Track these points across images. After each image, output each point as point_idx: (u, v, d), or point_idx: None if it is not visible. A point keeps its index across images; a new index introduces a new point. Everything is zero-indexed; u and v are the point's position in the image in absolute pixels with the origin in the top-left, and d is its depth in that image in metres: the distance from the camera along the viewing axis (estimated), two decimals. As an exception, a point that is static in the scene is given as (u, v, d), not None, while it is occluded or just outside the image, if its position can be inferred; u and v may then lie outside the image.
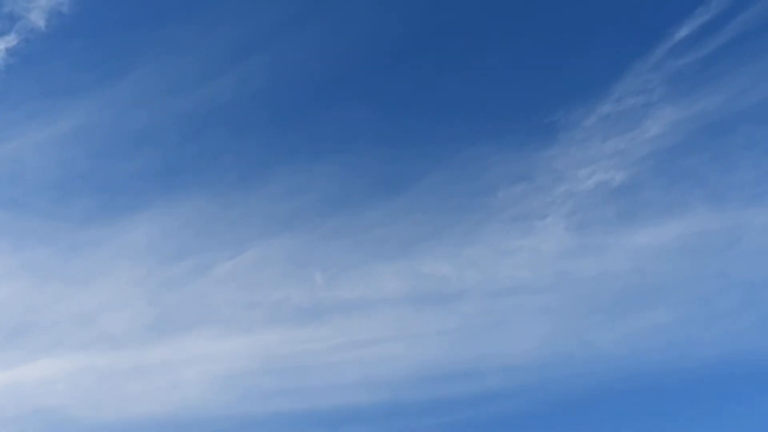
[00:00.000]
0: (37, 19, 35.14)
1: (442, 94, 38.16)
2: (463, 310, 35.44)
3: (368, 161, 37.54)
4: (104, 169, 37.36)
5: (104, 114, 37.22)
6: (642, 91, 36.06)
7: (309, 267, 36.23)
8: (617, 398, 33.23)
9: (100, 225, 36.14)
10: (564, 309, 35.27)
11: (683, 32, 35.65)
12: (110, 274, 35.67)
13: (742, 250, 33.90)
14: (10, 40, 28.88)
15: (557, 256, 35.95)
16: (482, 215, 35.82)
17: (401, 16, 38.13)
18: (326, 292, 36.20)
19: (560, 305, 35.36)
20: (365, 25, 38.62)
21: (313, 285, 35.85)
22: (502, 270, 35.94)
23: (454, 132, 37.72)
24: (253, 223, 37.25)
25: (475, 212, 36.14)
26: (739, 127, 35.75)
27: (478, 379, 34.09)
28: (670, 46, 35.71)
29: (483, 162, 37.09)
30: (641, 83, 35.94)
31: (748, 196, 34.62)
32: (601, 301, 35.19)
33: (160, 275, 35.74)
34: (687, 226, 35.60)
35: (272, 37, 37.99)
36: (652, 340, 34.11)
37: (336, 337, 35.45)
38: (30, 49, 35.61)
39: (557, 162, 36.23)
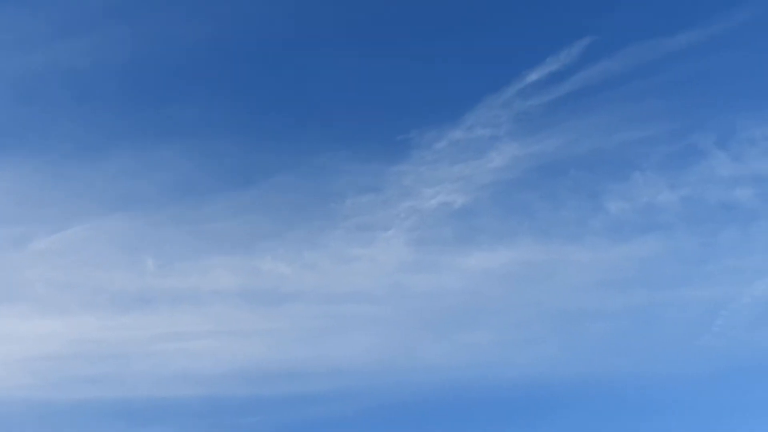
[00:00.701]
0: None
1: (303, 96, 33.18)
2: (297, 312, 30.40)
3: (218, 153, 31.81)
4: None
5: None
6: (491, 124, 32.91)
7: (140, 252, 29.97)
8: (437, 408, 29.46)
9: None
10: (395, 320, 30.84)
11: (534, 76, 32.78)
12: None
13: (558, 283, 31.22)
14: None
15: (395, 269, 31.70)
16: (327, 221, 31.34)
17: (276, 11, 33.02)
18: (156, 279, 30.07)
19: (392, 316, 30.85)
20: (236, 14, 32.99)
21: (143, 271, 29.71)
22: (340, 276, 31.37)
23: (310, 135, 32.82)
24: (84, 200, 30.42)
25: (320, 217, 31.68)
26: (569, 171, 32.94)
27: (303, 380, 29.25)
28: (520, 87, 32.71)
29: (335, 168, 32.41)
30: (491, 117, 32.83)
31: (569, 234, 31.87)
32: (431, 316, 31.12)
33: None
34: (514, 255, 32.18)
35: (141, 8, 31.81)
36: (473, 356, 30.53)
37: (160, 326, 29.49)
38: None
39: (406, 178, 32.25)
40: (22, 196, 30.59)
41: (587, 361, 30.16)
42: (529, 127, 33.55)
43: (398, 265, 31.96)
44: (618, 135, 32.36)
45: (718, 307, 30.31)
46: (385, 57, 33.99)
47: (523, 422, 29.60)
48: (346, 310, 30.27)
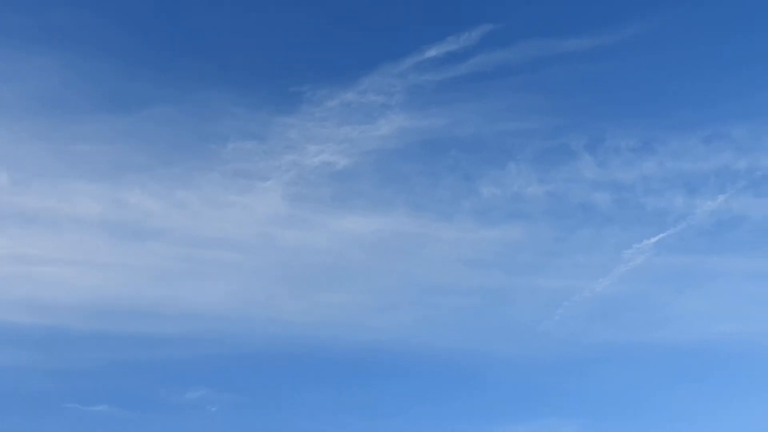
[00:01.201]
0: None
1: (198, 31, 27.96)
2: (159, 250, 25.61)
3: (96, 72, 26.26)
4: None
5: None
6: (384, 92, 29.16)
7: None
8: (291, 362, 26.07)
9: None
10: (260, 271, 26.90)
11: (432, 53, 29.54)
12: None
13: (424, 256, 28.58)
14: None
15: (267, 221, 27.59)
16: (205, 162, 26.59)
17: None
18: (9, 196, 24.44)
19: (257, 267, 26.83)
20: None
21: (-5, 185, 22.70)
22: (210, 220, 26.64)
23: (199, 71, 27.69)
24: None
25: (198, 156, 26.79)
26: (451, 151, 30.15)
27: (155, 321, 24.53)
28: (418, 61, 29.37)
29: (220, 109, 27.46)
30: (385, 85, 29.17)
31: (441, 211, 29.33)
32: (296, 272, 27.33)
33: None
34: (386, 224, 28.89)
35: None
36: (331, 316, 27.21)
37: (8, 247, 23.90)
38: None
39: (292, 131, 28.16)
40: None
41: (438, 333, 28.17)
42: (419, 102, 31.05)
43: (271, 217, 28.51)
44: (500, 124, 30.80)
45: (562, 298, 28.67)
46: (291, 9, 30.16)
47: (370, 384, 27.51)
48: (211, 255, 26.23)
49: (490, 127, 30.70)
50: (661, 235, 28.30)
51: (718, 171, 28.13)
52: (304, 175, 28.95)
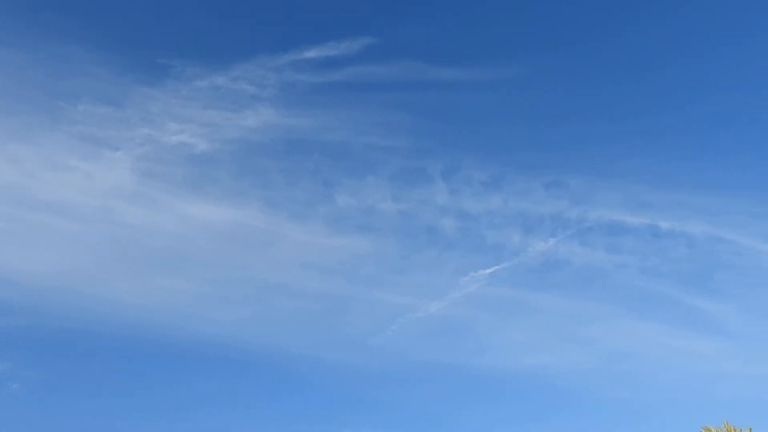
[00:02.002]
0: None
1: None
2: None
3: None
4: None
5: None
6: (257, 83, 28.39)
7: None
8: (115, 344, 24.90)
9: None
10: (96, 245, 25.10)
11: (312, 54, 29.39)
12: None
13: (272, 254, 28.20)
14: None
15: (111, 193, 25.64)
16: (50, 119, 24.44)
17: None
18: None
19: (94, 240, 25.02)
20: None
21: None
22: (47, 182, 24.59)
23: (64, 22, 25.83)
24: None
25: (44, 112, 24.64)
26: (314, 154, 29.93)
27: None
28: (296, 59, 28.95)
29: (78, 66, 25.44)
30: (259, 76, 28.39)
31: (296, 212, 28.96)
32: (136, 251, 25.91)
33: None
34: (239, 216, 28.08)
35: None
36: (167, 303, 26.17)
37: None
38: None
39: (154, 104, 26.62)
40: None
41: (275, 334, 27.83)
42: (291, 100, 30.57)
43: (116, 190, 26.61)
44: (366, 137, 31.07)
45: (398, 314, 29.24)
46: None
47: (198, 377, 26.90)
48: (41, 219, 24.23)
49: (356, 138, 31.00)
50: (496, 267, 29.91)
51: (552, 216, 29.88)
52: (159, 152, 27.50)
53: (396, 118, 31.42)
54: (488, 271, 30.03)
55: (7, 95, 22.68)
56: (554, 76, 32.93)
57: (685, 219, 29.34)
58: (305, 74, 28.89)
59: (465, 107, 32.82)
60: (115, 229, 24.62)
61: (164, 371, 24.53)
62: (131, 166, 25.15)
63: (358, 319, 28.87)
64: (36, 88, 23.72)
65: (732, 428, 14.59)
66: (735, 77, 32.20)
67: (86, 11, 24.38)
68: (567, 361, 29.27)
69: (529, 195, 30.87)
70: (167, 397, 24.27)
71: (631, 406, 27.33)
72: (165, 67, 25.22)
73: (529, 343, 29.74)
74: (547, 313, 30.42)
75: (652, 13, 32.88)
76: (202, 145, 26.71)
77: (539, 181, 31.05)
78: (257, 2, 27.35)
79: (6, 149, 22.57)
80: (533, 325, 30.17)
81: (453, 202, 30.48)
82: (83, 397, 21.77)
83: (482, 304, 30.47)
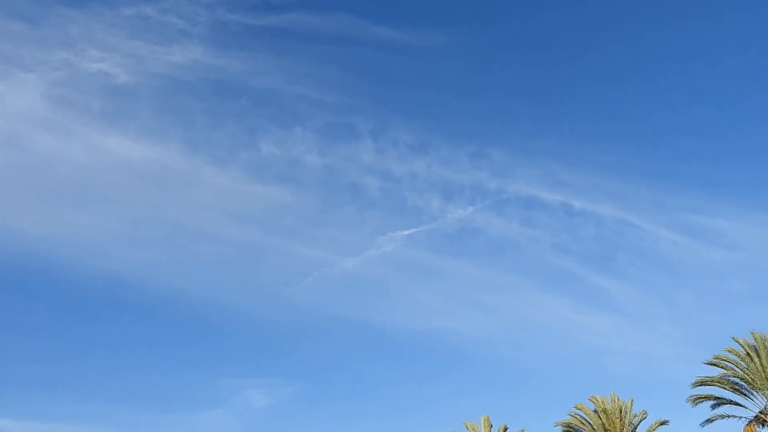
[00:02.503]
0: None
1: None
2: None
3: None
4: None
5: None
6: (187, 18, 27.55)
7: None
8: (14, 275, 25.32)
9: None
10: (0, 170, 24.86)
11: None
12: None
13: (188, 197, 27.85)
14: None
15: (20, 117, 24.83)
16: None
17: None
18: None
19: None
20: None
21: None
22: None
23: None
24: None
25: None
26: (242, 98, 29.83)
27: None
28: None
29: None
30: (191, 11, 27.46)
31: (217, 155, 29.08)
32: (44, 181, 25.44)
33: None
34: (157, 154, 27.61)
35: None
36: (75, 237, 25.92)
37: None
38: None
39: (73, 27, 25.89)
40: None
41: (187, 278, 27.74)
42: (222, 40, 29.20)
43: (26, 115, 26.40)
44: (297, 87, 30.22)
45: (313, 267, 29.54)
46: None
47: (102, 317, 27.09)
48: None
49: (286, 87, 30.29)
50: (414, 230, 30.07)
51: (473, 185, 30.10)
52: (76, 79, 26.27)
53: (329, 71, 30.86)
54: (406, 232, 30.33)
55: None
56: (490, 49, 33.04)
57: (596, 201, 30.30)
58: (239, 14, 27.87)
59: (399, 69, 32.54)
60: (21, 156, 23.25)
61: (67, 309, 23.71)
62: (44, 91, 23.68)
63: (273, 269, 28.91)
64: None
65: (617, 398, 15.62)
66: (657, 67, 33.21)
67: None
68: (471, 325, 30.17)
69: (453, 163, 31.05)
70: (69, 336, 23.44)
71: (526, 372, 28.68)
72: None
73: (437, 306, 30.44)
74: (458, 279, 31.14)
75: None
76: (123, 77, 25.41)
77: (464, 150, 31.32)
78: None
79: None
80: (443, 289, 30.85)
81: (378, 161, 30.28)
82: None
83: (397, 265, 30.86)
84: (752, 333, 14.57)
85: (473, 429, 16.65)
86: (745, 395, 14.50)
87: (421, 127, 31.95)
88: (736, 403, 14.48)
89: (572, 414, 16.11)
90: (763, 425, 14.37)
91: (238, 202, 29.20)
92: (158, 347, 26.53)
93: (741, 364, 14.37)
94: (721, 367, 14.53)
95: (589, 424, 15.93)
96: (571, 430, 16.09)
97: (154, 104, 27.09)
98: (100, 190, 26.06)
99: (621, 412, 15.91)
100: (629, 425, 15.81)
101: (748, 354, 14.37)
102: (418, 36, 32.16)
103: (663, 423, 15.78)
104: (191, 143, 27.78)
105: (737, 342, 14.57)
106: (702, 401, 14.73)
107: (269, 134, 29.46)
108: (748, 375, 14.44)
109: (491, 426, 16.62)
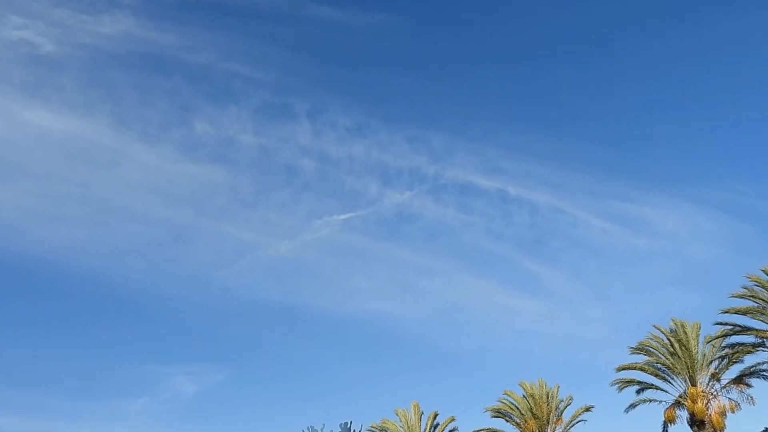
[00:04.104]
0: None
1: None
2: None
3: None
4: None
5: None
6: None
7: None
8: None
9: None
10: None
11: None
12: None
13: (118, 175, 27.12)
14: None
15: None
16: None
17: None
18: None
19: None
20: None
21: None
22: None
23: None
24: None
25: None
26: (175, 74, 28.62)
27: None
28: None
29: None
30: None
31: (145, 133, 27.91)
32: None
33: None
34: (84, 129, 26.50)
35: None
36: None
37: None
38: None
39: None
40: None
41: (113, 258, 27.17)
42: (155, 13, 28.44)
43: None
44: (233, 64, 29.35)
45: (246, 250, 29.17)
46: None
47: (21, 298, 26.79)
48: None
49: (221, 64, 29.34)
50: (350, 214, 30.04)
51: (411, 170, 29.86)
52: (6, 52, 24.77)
53: (266, 49, 30.10)
54: (342, 216, 30.05)
55: None
56: (430, 31, 32.82)
57: (531, 188, 30.70)
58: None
59: (339, 50, 32.00)
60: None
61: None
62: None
63: (204, 251, 28.64)
64: None
65: (544, 384, 15.89)
66: (594, 48, 33.62)
67: None
68: (403, 309, 30.18)
69: (391, 146, 31.04)
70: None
71: (457, 356, 28.96)
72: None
73: (371, 290, 30.30)
74: (393, 263, 31.06)
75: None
76: (48, 47, 24.15)
77: (402, 134, 31.49)
78: None
79: None
80: (378, 274, 30.75)
81: (315, 143, 29.77)
82: None
83: (332, 249, 30.69)
84: (672, 320, 14.91)
85: (404, 416, 16.65)
86: (667, 380, 14.70)
87: (360, 110, 31.76)
88: (658, 388, 14.69)
89: (501, 400, 16.34)
90: (682, 408, 14.67)
91: (169, 182, 28.36)
92: (81, 331, 25.56)
93: (663, 351, 14.55)
94: (645, 354, 14.70)
95: (518, 409, 16.17)
96: (500, 415, 16.28)
97: (81, 77, 25.86)
98: (20, 164, 24.80)
99: (548, 397, 16.21)
100: (556, 410, 16.10)
101: (669, 341, 14.56)
102: (358, 16, 31.73)
103: (588, 409, 16.16)
104: (120, 119, 26.69)
105: (659, 329, 14.79)
106: (627, 386, 14.86)
107: (203, 112, 28.76)
108: (669, 361, 14.57)
109: (422, 413, 16.67)
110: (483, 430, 16.00)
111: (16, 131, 23.67)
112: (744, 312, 13.28)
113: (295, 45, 30.82)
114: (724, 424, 14.12)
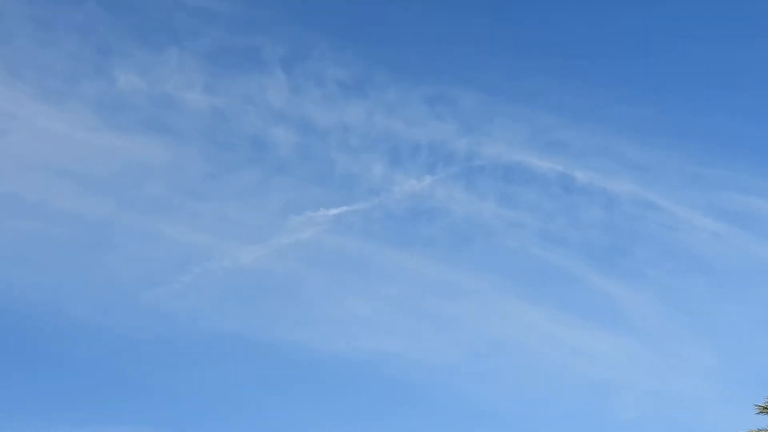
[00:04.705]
0: None
1: None
2: None
3: None
4: None
5: None
6: None
7: None
8: None
9: None
10: None
11: None
12: None
13: (6, 148, 19.92)
14: None
15: None
16: None
17: None
18: None
19: None
20: None
21: None
22: None
23: None
24: None
25: None
26: (95, 11, 21.47)
27: None
28: None
29: None
30: None
31: (52, 89, 20.36)
32: None
33: None
34: None
35: None
36: None
37: None
38: None
39: None
40: None
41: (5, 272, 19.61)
42: None
43: None
44: None
45: (192, 260, 20.78)
46: None
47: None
48: None
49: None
50: (345, 208, 22.00)
51: (432, 145, 21.69)
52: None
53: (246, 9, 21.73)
54: (333, 211, 22.49)
55: None
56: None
57: (608, 171, 22.14)
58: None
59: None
60: None
61: None
62: None
63: (129, 260, 20.42)
64: None
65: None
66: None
67: None
68: (420, 348, 22.19)
69: (403, 110, 23.24)
70: None
71: (495, 416, 20.23)
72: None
73: (373, 319, 22.23)
74: (405, 280, 22.90)
75: None
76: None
77: (419, 92, 23.41)
78: None
79: None
80: (383, 295, 22.69)
81: (293, 105, 21.75)
82: None
83: (317, 258, 22.82)
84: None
85: None
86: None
87: (358, 57, 23.46)
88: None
89: None
90: None
91: (80, 159, 19.94)
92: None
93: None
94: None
95: None
96: None
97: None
98: None
99: None
100: None
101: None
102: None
103: None
104: (10, 69, 19.05)
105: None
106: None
107: (130, 58, 20.34)
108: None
109: None
110: None
111: None
112: None
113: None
114: None
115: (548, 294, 22.30)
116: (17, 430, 17.63)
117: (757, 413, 10.41)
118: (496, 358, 21.64)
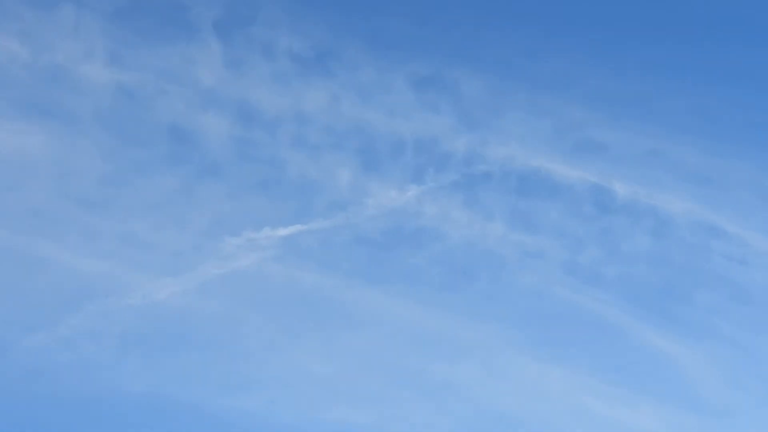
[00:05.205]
0: None
1: None
2: None
3: None
4: None
5: None
6: None
7: None
8: None
9: None
10: None
11: None
12: None
13: None
14: None
15: None
16: None
17: None
18: None
19: None
20: None
21: None
22: None
23: None
24: None
25: None
26: None
27: None
28: None
29: None
30: None
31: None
32: None
33: None
34: None
35: None
36: None
37: None
38: None
39: None
40: None
41: None
42: None
43: None
44: None
45: (82, 295, 18.74)
46: None
47: None
48: None
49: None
50: (299, 227, 16.84)
51: (420, 143, 17.52)
52: None
53: None
54: (282, 231, 17.28)
55: None
56: None
57: (659, 184, 17.07)
58: None
59: None
60: None
61: None
62: None
63: (9, 299, 17.15)
64: None
65: None
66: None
67: None
68: (401, 421, 16.56)
69: (382, 96, 18.09)
70: None
71: None
72: None
73: (337, 381, 16.57)
74: (381, 328, 17.23)
75: None
76: None
77: (403, 73, 18.05)
78: None
79: None
80: (351, 348, 17.01)
81: (230, 84, 17.87)
82: None
83: (258, 294, 17.25)
84: None
85: None
86: None
87: (322, 23, 17.77)
88: None
89: None
90: None
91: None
92: None
93: None
94: None
95: None
96: None
97: None
98: None
99: None
100: None
101: None
102: None
103: None
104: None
105: None
106: None
107: (6, 17, 16.02)
108: None
109: None
110: None
111: None
112: None
113: None
114: None
115: (576, 352, 16.81)
116: None
117: None
118: (503, 438, 15.96)
